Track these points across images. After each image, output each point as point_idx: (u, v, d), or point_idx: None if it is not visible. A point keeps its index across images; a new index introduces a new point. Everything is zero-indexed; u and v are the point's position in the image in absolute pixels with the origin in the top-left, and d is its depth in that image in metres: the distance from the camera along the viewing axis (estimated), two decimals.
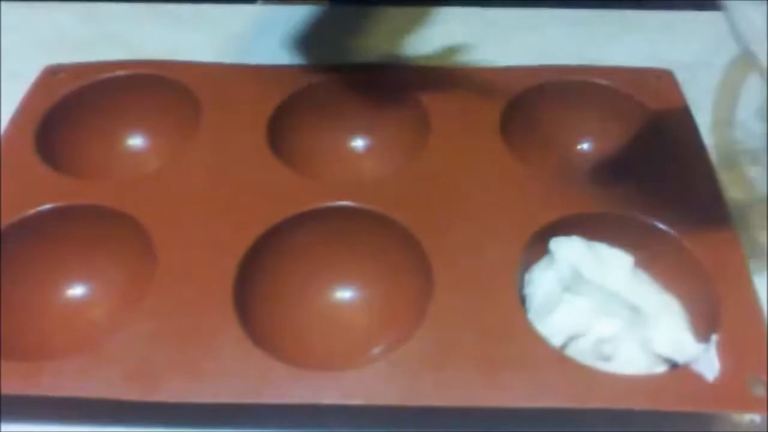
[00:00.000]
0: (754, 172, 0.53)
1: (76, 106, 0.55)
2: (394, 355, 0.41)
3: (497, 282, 0.44)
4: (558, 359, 0.41)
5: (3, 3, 0.69)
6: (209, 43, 0.66)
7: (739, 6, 0.56)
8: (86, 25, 0.68)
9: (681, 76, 0.56)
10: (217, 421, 0.42)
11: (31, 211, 0.47)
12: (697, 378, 0.39)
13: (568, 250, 0.44)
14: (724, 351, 0.40)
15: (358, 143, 0.56)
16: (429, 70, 0.57)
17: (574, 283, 0.44)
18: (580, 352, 0.43)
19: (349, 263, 0.47)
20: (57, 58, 0.59)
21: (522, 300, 0.44)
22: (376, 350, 0.44)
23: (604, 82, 0.55)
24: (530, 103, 0.55)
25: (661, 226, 0.46)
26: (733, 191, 0.50)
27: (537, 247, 0.46)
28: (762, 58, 0.52)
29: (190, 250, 0.46)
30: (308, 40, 0.59)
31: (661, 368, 0.42)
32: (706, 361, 0.40)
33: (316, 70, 0.57)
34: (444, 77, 0.56)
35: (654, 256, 0.46)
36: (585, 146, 0.56)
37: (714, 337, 0.40)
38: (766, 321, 0.42)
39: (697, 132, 0.52)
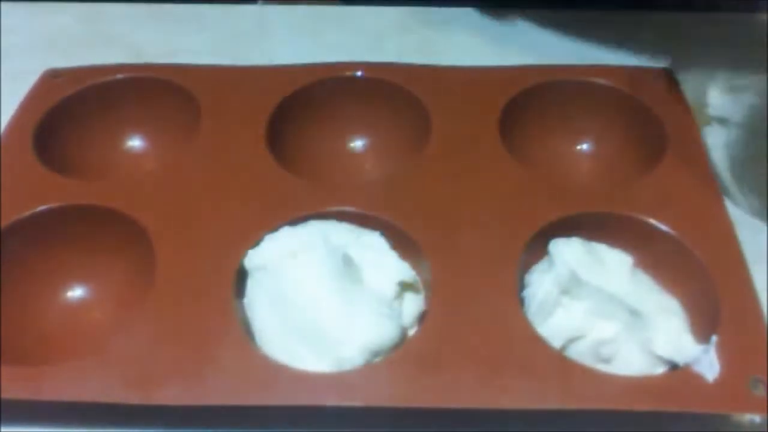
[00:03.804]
0: None
1: (75, 109, 0.55)
2: (394, 356, 0.41)
3: (497, 283, 0.44)
4: (558, 360, 0.41)
5: (3, 4, 0.69)
6: (209, 43, 0.66)
7: None
8: (87, 26, 0.68)
9: (681, 76, 0.56)
10: (217, 423, 0.42)
11: (30, 213, 0.47)
12: (697, 379, 0.39)
13: (566, 252, 0.44)
14: (724, 352, 0.40)
15: (358, 143, 0.56)
16: (429, 70, 0.57)
17: (572, 286, 0.44)
18: (579, 354, 0.43)
19: None
20: (57, 59, 0.59)
21: (521, 302, 0.44)
22: None
23: (604, 82, 0.55)
24: (530, 103, 0.55)
25: (661, 226, 0.46)
26: None
27: (537, 247, 0.46)
28: None
29: (189, 252, 0.46)
30: None
31: (660, 369, 0.42)
32: (706, 362, 0.40)
33: (315, 70, 0.57)
34: (444, 77, 0.56)
35: (654, 257, 0.46)
36: (585, 146, 0.56)
37: (714, 338, 0.40)
38: (766, 321, 0.42)
39: (697, 132, 0.52)
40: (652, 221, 0.46)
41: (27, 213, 0.47)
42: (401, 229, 0.47)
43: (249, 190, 0.49)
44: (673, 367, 0.42)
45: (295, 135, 0.55)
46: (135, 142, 0.57)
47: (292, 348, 0.42)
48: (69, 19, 0.69)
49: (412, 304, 0.44)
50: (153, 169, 0.53)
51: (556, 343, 0.42)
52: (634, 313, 0.43)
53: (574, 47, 0.63)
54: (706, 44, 0.63)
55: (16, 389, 0.40)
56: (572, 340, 0.43)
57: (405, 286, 0.44)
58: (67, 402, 0.40)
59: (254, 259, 0.44)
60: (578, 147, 0.56)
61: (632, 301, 0.43)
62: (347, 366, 0.41)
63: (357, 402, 0.39)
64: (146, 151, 0.56)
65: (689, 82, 0.56)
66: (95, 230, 0.48)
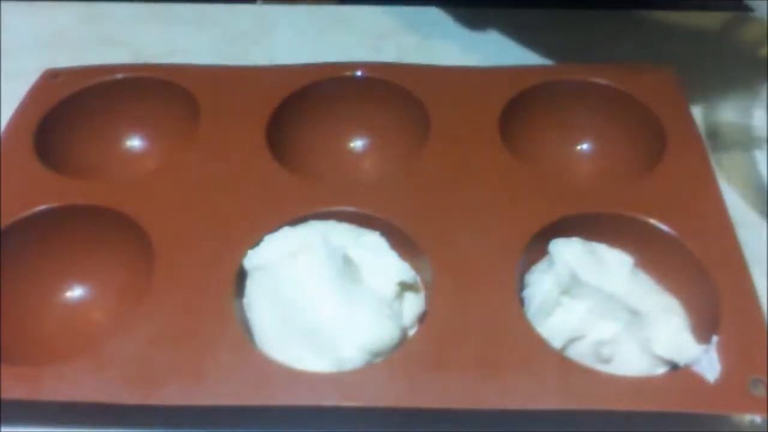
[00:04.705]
0: None
1: (75, 108, 0.55)
2: (394, 356, 0.41)
3: (497, 283, 0.44)
4: (558, 360, 0.41)
5: (3, 3, 0.69)
6: (209, 43, 0.66)
7: None
8: (86, 25, 0.68)
9: (681, 76, 0.56)
10: (217, 423, 0.42)
11: (30, 213, 0.47)
12: (698, 379, 0.39)
13: (566, 252, 0.44)
14: (724, 352, 0.40)
15: (358, 143, 0.56)
16: (429, 70, 0.57)
17: (572, 286, 0.44)
18: (579, 354, 0.43)
19: None
20: (57, 58, 0.59)
21: (521, 302, 0.44)
22: None
23: (604, 82, 0.55)
24: (530, 103, 0.55)
25: (661, 226, 0.46)
26: None
27: (537, 247, 0.46)
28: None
29: (189, 251, 0.46)
30: None
31: (661, 370, 0.42)
32: (707, 362, 0.40)
33: (315, 70, 0.57)
34: (444, 77, 0.56)
35: (654, 257, 0.46)
36: (585, 146, 0.56)
37: (714, 338, 0.40)
38: (766, 321, 0.41)
39: (697, 132, 0.52)
40: (652, 221, 0.46)
41: (27, 213, 0.47)
42: (401, 229, 0.47)
43: (249, 190, 0.49)
44: (674, 367, 0.42)
45: (295, 135, 0.55)
46: (135, 142, 0.57)
47: (292, 348, 0.42)
48: (69, 19, 0.69)
49: (412, 304, 0.44)
50: (153, 169, 0.53)
51: (556, 343, 0.42)
52: (634, 313, 0.43)
53: (573, 47, 0.63)
54: (708, 44, 0.63)
55: (16, 389, 0.40)
56: (572, 340, 0.43)
57: (405, 287, 0.44)
58: (66, 402, 0.40)
59: (254, 259, 0.44)
60: (578, 147, 0.56)
61: (632, 301, 0.43)
62: (347, 366, 0.41)
63: (357, 402, 0.39)
64: (146, 151, 0.56)
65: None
66: (95, 230, 0.48)
